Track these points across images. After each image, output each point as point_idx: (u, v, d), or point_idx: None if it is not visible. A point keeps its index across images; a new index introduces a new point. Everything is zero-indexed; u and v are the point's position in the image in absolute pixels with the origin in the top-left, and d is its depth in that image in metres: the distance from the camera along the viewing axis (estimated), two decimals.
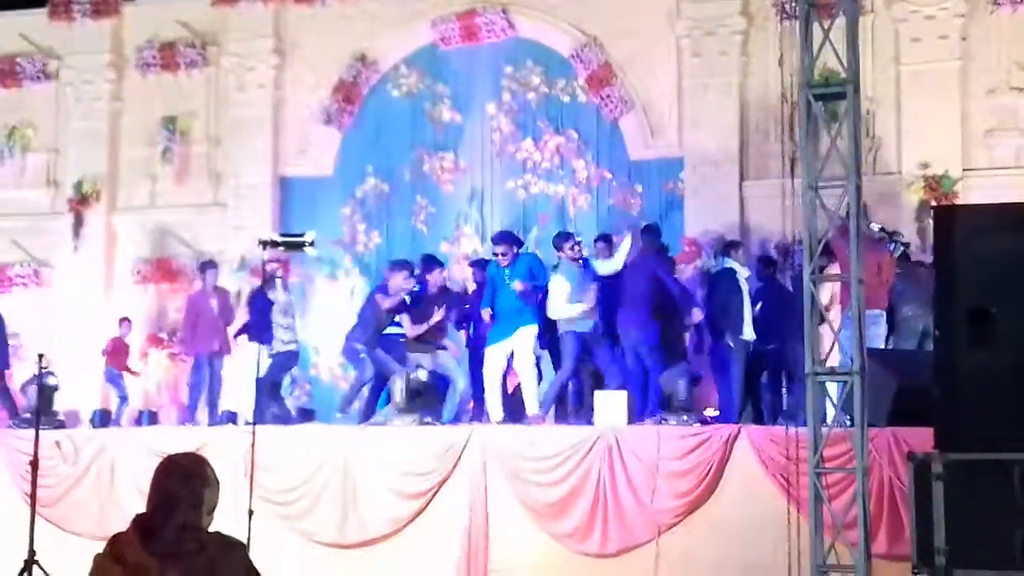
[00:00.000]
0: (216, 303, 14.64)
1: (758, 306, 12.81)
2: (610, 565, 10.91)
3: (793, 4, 9.24)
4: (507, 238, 13.16)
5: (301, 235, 10.87)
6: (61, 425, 13.72)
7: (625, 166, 15.66)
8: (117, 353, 15.41)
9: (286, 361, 13.95)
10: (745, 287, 12.80)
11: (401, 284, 13.40)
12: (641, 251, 13.04)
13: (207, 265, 15.01)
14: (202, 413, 14.23)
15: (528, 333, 12.49)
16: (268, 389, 13.28)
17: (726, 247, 13.28)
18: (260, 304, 13.91)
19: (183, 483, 4.24)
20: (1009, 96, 14.21)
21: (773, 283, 13.07)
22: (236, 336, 14.50)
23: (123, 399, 15.30)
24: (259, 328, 13.67)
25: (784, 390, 12.69)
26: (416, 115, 16.46)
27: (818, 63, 9.06)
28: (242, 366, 14.12)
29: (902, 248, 12.59)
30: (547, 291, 12.79)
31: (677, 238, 14.64)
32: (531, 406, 12.29)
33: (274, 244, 10.63)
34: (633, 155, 15.60)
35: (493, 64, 16.18)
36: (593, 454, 10.97)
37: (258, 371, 11.48)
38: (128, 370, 15.54)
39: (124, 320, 15.63)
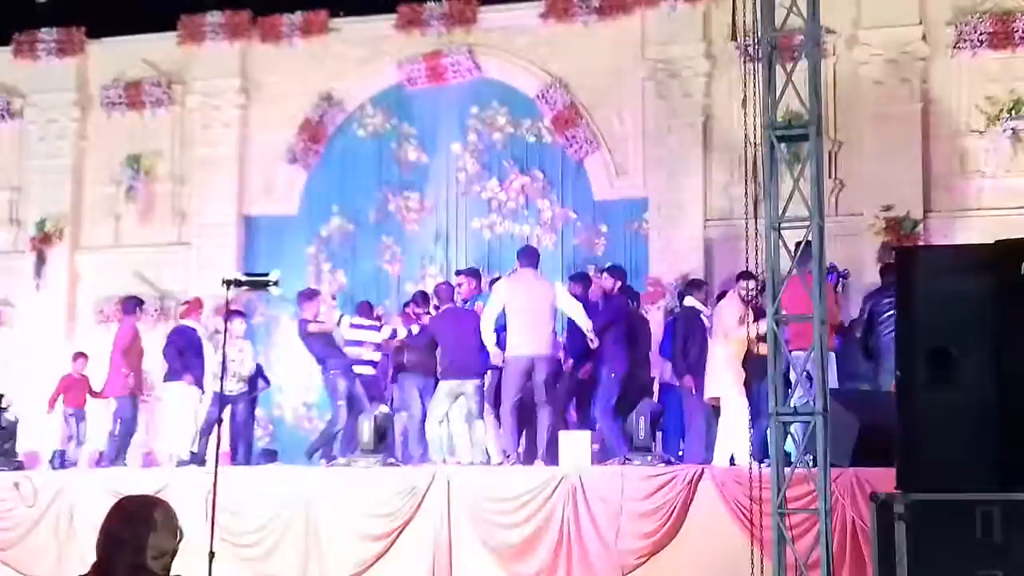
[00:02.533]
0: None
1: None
2: None
3: (756, 47, 9.28)
4: (469, 272, 13.21)
5: (266, 274, 10.79)
6: (20, 466, 13.55)
7: (590, 206, 15.73)
8: (71, 390, 14.92)
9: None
10: (709, 326, 12.81)
11: (317, 310, 13.52)
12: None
13: (132, 303, 14.65)
14: (162, 455, 14.05)
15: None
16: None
17: (688, 286, 13.28)
18: (179, 343, 13.83)
19: (125, 525, 4.21)
20: (970, 139, 14.36)
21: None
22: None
23: (71, 439, 14.70)
24: (178, 367, 13.65)
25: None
26: (382, 155, 16.50)
27: (781, 105, 9.11)
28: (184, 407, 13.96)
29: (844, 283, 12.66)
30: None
31: (641, 278, 14.69)
32: (492, 451, 12.19)
33: (238, 283, 10.54)
34: (598, 195, 15.68)
35: (459, 104, 16.26)
36: (557, 495, 10.92)
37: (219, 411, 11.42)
38: (92, 393, 14.94)
39: (79, 355, 15.12)
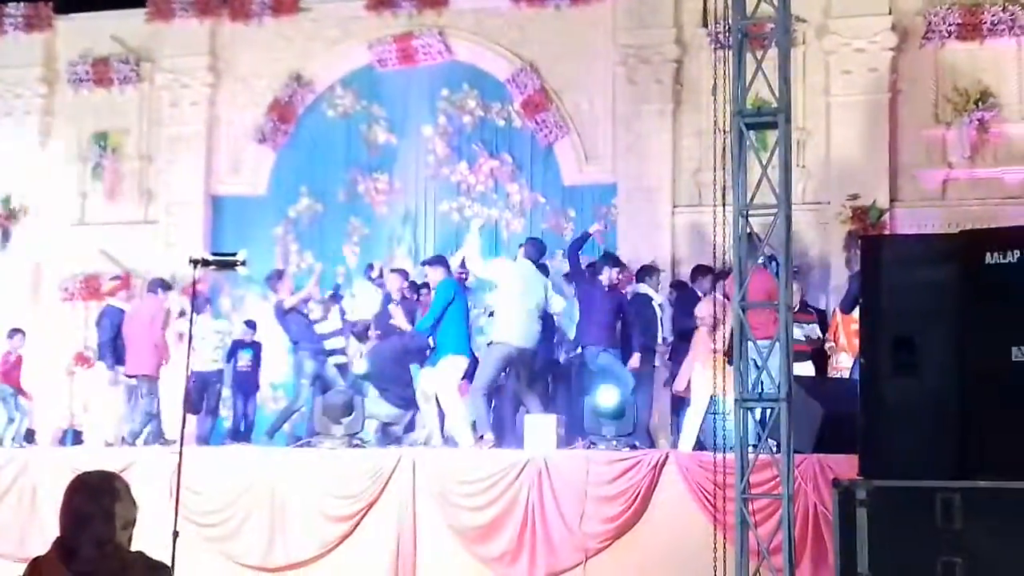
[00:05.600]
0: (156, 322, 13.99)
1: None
2: None
3: (727, 34, 9.31)
4: (435, 260, 13.29)
5: (233, 254, 10.75)
6: None
7: (559, 191, 15.75)
8: (8, 369, 14.61)
9: None
10: (659, 313, 12.97)
11: (290, 289, 13.77)
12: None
13: (158, 284, 14.16)
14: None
15: (453, 363, 12.46)
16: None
17: (640, 272, 13.43)
18: (108, 324, 13.75)
19: (91, 498, 4.21)
20: (936, 129, 14.44)
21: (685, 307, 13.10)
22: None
23: (11, 420, 14.32)
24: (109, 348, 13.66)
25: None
26: (351, 136, 16.46)
27: (750, 92, 9.16)
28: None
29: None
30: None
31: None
32: (461, 437, 12.21)
33: (205, 263, 10.50)
34: (567, 180, 15.70)
35: (429, 87, 16.23)
36: (522, 478, 10.95)
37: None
38: (20, 389, 14.65)
39: (15, 332, 14.76)
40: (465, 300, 12.85)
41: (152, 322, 13.65)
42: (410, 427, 13.04)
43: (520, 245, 13.28)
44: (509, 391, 12.83)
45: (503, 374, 12.53)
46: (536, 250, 12.87)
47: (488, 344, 12.56)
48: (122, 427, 13.58)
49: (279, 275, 13.98)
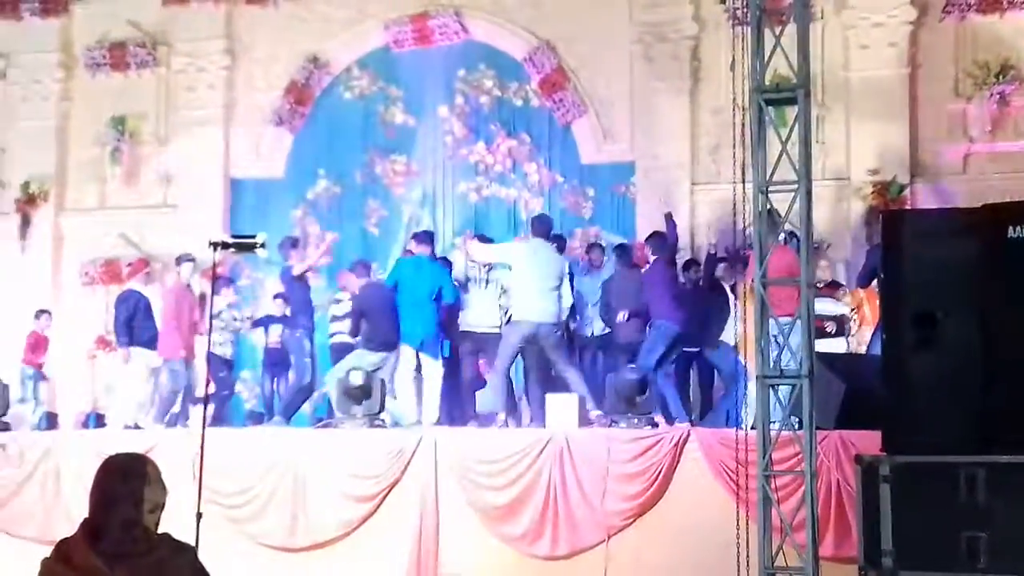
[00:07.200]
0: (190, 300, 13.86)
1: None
2: (560, 567, 10.89)
3: (744, 10, 9.25)
4: (420, 236, 13.40)
5: (252, 237, 10.76)
6: (6, 427, 13.51)
7: (577, 170, 15.73)
8: (35, 348, 14.79)
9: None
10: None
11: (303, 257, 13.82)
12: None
13: (183, 259, 14.01)
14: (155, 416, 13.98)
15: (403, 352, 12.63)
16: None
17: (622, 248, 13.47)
18: (126, 308, 13.76)
19: (121, 480, 4.23)
20: (956, 103, 14.38)
21: (697, 286, 13.04)
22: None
23: (26, 400, 14.46)
24: (126, 333, 13.64)
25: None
26: (368, 117, 16.46)
27: (769, 69, 9.10)
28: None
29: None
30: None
31: (630, 242, 14.69)
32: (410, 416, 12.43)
33: (224, 246, 10.50)
34: (585, 159, 15.67)
35: (446, 67, 16.20)
36: (544, 457, 10.96)
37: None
38: (39, 368, 14.87)
39: (42, 312, 14.96)
40: (420, 285, 12.67)
41: (177, 304, 13.60)
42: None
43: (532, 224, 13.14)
44: (533, 370, 12.76)
45: (521, 353, 12.46)
46: (543, 226, 12.71)
47: (507, 323, 12.54)
48: (145, 409, 13.60)
49: (293, 243, 13.95)
